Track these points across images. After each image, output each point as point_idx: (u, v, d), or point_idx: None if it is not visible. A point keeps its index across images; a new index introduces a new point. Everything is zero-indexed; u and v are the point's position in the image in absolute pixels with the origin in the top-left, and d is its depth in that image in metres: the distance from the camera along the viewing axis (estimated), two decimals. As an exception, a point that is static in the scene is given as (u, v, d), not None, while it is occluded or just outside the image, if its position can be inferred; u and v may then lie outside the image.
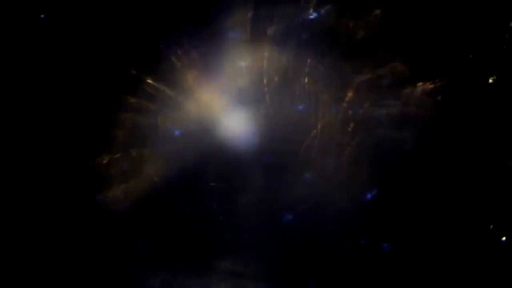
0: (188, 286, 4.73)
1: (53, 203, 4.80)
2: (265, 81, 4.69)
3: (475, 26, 4.59)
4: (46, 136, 4.85)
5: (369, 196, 4.58)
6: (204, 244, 4.72)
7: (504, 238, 4.41)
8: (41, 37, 4.89)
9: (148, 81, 4.74)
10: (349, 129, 4.58)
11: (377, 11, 4.61)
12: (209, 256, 4.71)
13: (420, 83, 4.61)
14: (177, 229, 4.75)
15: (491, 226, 4.46)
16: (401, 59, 4.57)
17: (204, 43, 4.73)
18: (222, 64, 4.70)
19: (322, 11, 4.61)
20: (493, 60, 4.58)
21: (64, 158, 4.84)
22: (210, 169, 4.75)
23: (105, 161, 4.75)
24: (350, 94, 4.57)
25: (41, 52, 4.89)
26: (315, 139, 4.66)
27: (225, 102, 4.77)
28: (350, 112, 4.58)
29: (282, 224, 4.67)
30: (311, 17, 4.58)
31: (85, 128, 4.80)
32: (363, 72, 4.59)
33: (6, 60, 4.94)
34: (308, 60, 4.64)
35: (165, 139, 4.74)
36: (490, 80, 4.47)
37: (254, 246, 4.70)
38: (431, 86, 4.60)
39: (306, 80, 4.65)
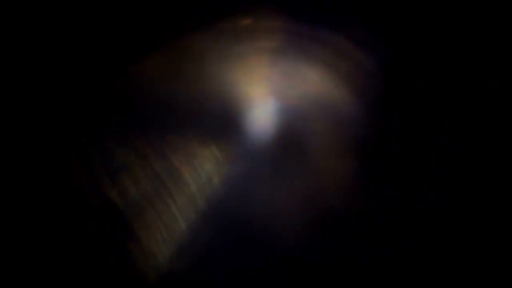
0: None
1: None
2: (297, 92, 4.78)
3: (479, 35, 4.61)
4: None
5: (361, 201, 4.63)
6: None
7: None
8: (47, 27, 4.84)
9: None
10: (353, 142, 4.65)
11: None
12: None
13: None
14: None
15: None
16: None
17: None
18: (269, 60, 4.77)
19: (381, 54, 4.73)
20: (495, 66, 4.58)
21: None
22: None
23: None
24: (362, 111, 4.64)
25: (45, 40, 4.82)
26: (324, 148, 4.75)
27: (255, 93, 4.84)
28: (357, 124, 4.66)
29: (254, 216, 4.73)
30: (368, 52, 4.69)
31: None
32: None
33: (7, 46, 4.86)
34: (350, 92, 4.73)
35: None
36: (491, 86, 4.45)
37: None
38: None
39: (338, 105, 4.74)
